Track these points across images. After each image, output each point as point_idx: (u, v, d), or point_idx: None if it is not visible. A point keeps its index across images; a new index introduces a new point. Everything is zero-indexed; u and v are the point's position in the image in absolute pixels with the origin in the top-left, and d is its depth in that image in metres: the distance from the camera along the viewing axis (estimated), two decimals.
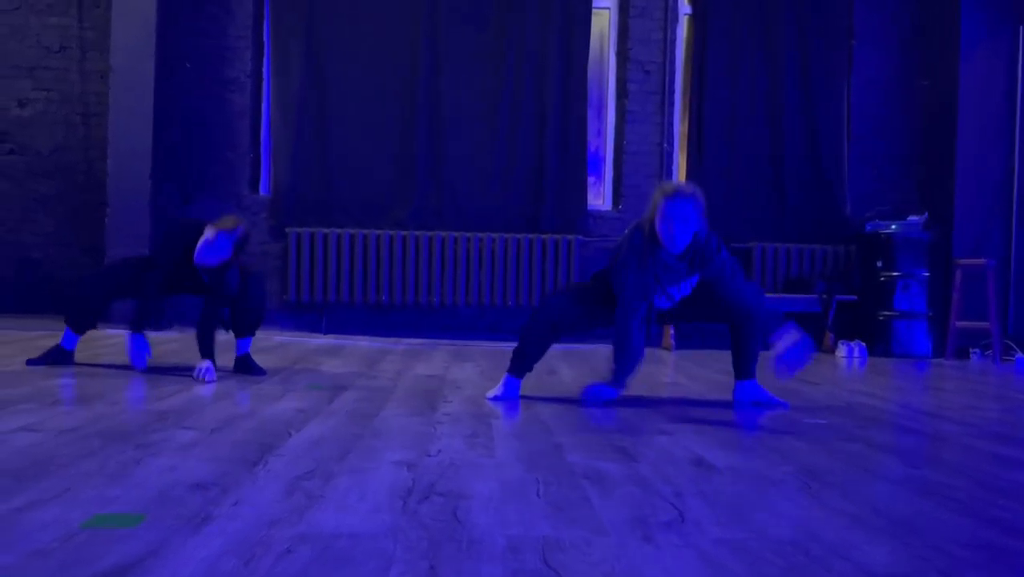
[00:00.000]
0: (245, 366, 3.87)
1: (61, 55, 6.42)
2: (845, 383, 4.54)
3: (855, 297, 6.17)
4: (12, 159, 6.43)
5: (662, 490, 2.01)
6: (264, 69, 6.53)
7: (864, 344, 5.90)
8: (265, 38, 6.49)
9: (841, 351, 5.86)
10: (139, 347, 3.77)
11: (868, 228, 6.20)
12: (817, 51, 6.54)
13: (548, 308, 3.45)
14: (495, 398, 3.39)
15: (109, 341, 5.11)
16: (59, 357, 3.88)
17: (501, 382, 3.47)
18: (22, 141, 6.43)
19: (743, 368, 3.47)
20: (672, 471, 2.22)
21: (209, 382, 3.54)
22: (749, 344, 3.43)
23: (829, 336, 6.08)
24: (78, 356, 4.07)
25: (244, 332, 3.91)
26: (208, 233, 3.69)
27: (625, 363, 3.33)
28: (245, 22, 6.38)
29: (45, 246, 6.44)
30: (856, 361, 5.66)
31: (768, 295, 6.23)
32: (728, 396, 3.64)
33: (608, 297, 3.40)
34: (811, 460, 2.44)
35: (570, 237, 6.36)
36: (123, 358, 4.32)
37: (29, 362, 3.83)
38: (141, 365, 3.78)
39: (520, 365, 3.46)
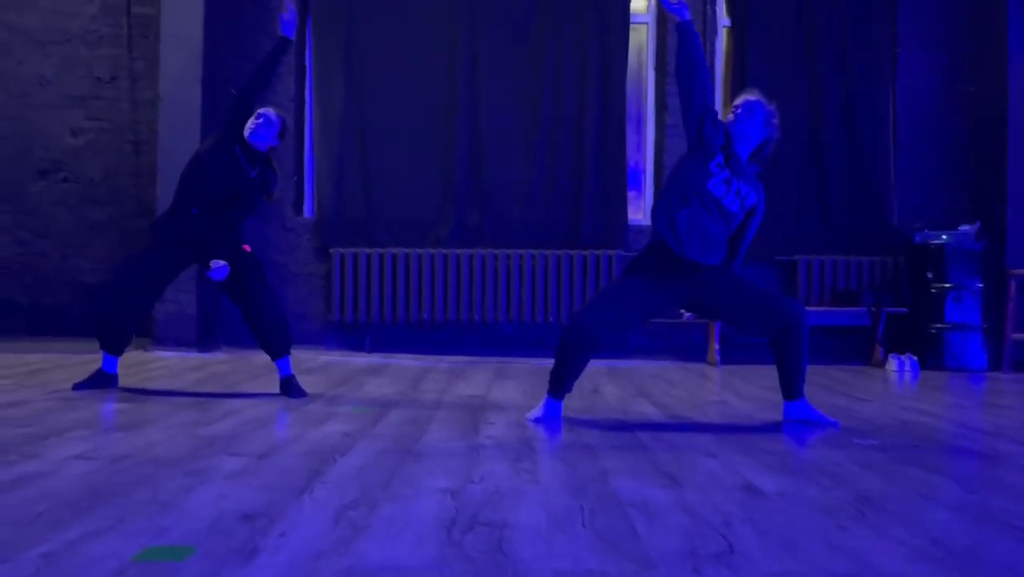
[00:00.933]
0: (287, 388, 3.92)
1: (112, 85, 6.61)
2: (897, 399, 4.43)
3: (905, 309, 6.03)
4: (67, 187, 6.63)
5: (711, 519, 1.98)
6: (307, 93, 6.63)
7: (915, 358, 5.75)
8: (307, 63, 6.60)
9: (892, 365, 5.72)
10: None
11: (917, 238, 6.06)
12: (860, 59, 6.44)
13: (579, 326, 3.35)
14: (536, 420, 3.37)
15: (159, 364, 5.21)
16: (102, 381, 3.95)
17: (542, 403, 3.45)
18: (76, 169, 6.62)
19: (790, 388, 3.41)
20: (721, 497, 2.19)
21: (218, 271, 3.78)
22: (794, 361, 3.37)
23: (879, 349, 5.95)
24: (130, 379, 4.16)
25: (278, 352, 3.95)
26: (261, 112, 3.94)
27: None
28: None
29: (99, 271, 6.60)
30: (907, 375, 5.53)
31: (814, 308, 6.15)
32: (776, 415, 3.58)
33: (644, 286, 3.36)
34: (864, 484, 2.38)
35: (611, 252, 6.33)
36: (172, 382, 4.40)
37: (75, 386, 3.91)
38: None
39: (558, 386, 3.43)
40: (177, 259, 3.99)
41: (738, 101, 3.39)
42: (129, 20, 6.55)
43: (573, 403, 3.89)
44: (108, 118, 6.61)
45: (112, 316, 3.89)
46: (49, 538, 1.71)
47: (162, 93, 6.05)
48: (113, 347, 3.95)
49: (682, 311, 3.74)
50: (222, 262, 3.83)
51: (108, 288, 3.96)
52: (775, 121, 3.40)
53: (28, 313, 6.58)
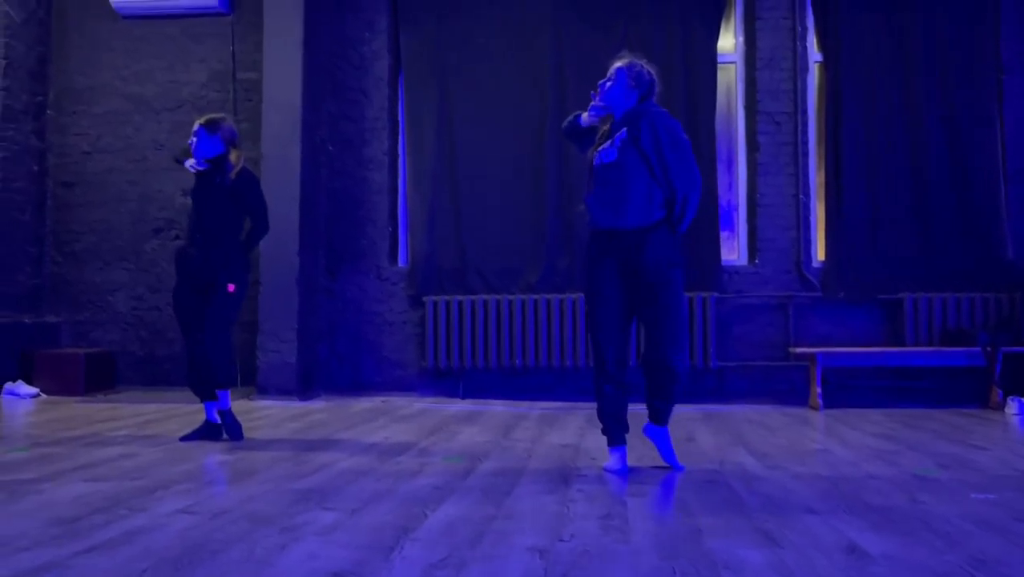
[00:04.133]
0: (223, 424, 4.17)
1: None
2: (1017, 447, 4.14)
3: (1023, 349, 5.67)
4: (178, 244, 7.00)
5: None
6: (400, 147, 6.84)
7: None
8: (400, 118, 6.81)
9: (1011, 408, 5.36)
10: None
11: None
12: (962, 88, 6.17)
13: (609, 376, 3.40)
14: (613, 470, 3.35)
15: (261, 412, 5.39)
16: (209, 432, 4.15)
17: (614, 456, 3.42)
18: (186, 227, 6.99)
19: (656, 416, 3.46)
20: (821, 561, 2.09)
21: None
22: (656, 395, 3.41)
23: (996, 392, 5.60)
24: None
25: (208, 389, 4.14)
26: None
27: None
28: (381, 104, 6.73)
29: None
30: None
31: (923, 349, 5.84)
32: (884, 467, 3.40)
33: (606, 290, 3.34)
34: (980, 546, 2.23)
35: (705, 294, 6.20)
36: (273, 432, 4.54)
37: (182, 438, 4.12)
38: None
39: (614, 435, 3.43)
40: (190, 292, 4.18)
41: (607, 76, 3.49)
42: (234, 85, 6.93)
43: None
44: None
45: (190, 358, 4.16)
46: None
47: (264, 152, 6.35)
48: (201, 392, 4.16)
49: None
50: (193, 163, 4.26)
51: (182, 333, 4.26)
52: (643, 74, 3.46)
53: (143, 364, 6.94)
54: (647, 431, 3.49)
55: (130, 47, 7.06)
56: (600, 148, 3.42)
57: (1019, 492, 2.95)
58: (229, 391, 4.20)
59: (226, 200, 4.20)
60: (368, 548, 2.17)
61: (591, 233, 3.44)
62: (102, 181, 7.06)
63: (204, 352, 4.06)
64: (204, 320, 4.11)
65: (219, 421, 4.20)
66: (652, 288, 3.28)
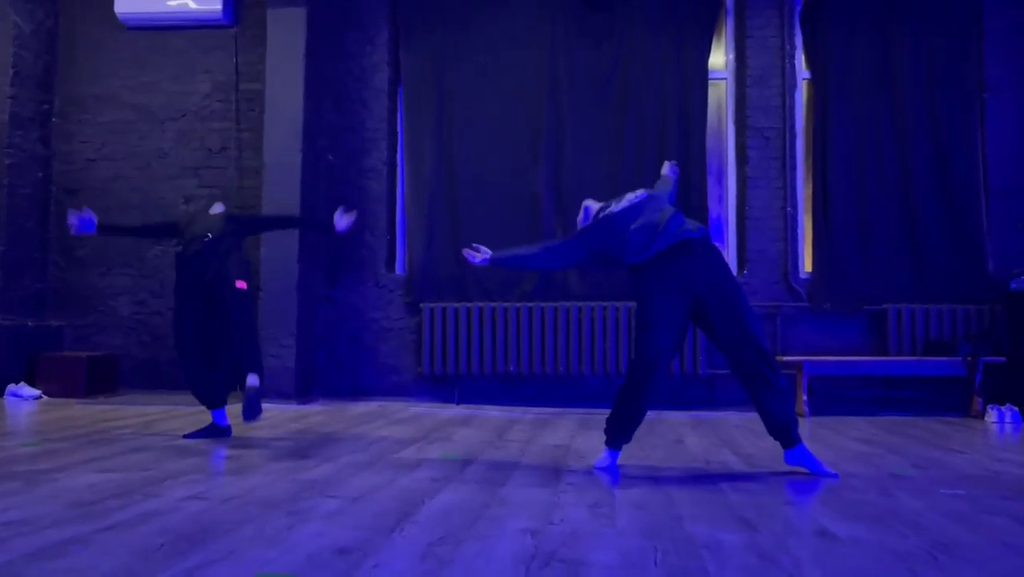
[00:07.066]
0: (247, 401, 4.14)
1: (221, 155, 7.14)
2: (993, 451, 4.30)
3: (1003, 359, 5.83)
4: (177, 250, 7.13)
5: (781, 561, 2.03)
6: (398, 157, 7.01)
7: (1016, 409, 5.54)
8: (399, 129, 6.99)
9: (991, 416, 5.53)
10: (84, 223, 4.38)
11: (1013, 286, 5.89)
12: (947, 106, 6.38)
13: (646, 362, 3.39)
14: (602, 468, 3.49)
15: (263, 414, 5.51)
16: (214, 432, 4.27)
17: (605, 453, 3.55)
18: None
19: (782, 436, 3.50)
20: (794, 542, 2.24)
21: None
22: (775, 410, 3.45)
23: (977, 401, 5.76)
24: (234, 429, 4.45)
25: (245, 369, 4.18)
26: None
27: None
28: (381, 115, 6.90)
29: None
30: (1008, 427, 5.33)
31: (906, 358, 6.01)
32: (863, 466, 3.55)
33: (665, 299, 3.38)
34: (944, 533, 2.38)
35: None
36: (273, 432, 4.68)
37: (185, 436, 4.24)
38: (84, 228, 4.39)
39: (623, 434, 3.53)
40: (197, 307, 4.21)
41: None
42: (237, 96, 7.10)
43: (656, 452, 3.96)
44: (217, 185, 7.12)
45: (190, 373, 4.23)
46: (171, 567, 1.92)
47: (266, 162, 6.51)
48: (208, 401, 4.26)
49: None
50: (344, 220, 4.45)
51: (179, 348, 4.28)
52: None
53: (145, 368, 7.07)
54: (791, 460, 3.50)
55: (136, 58, 7.23)
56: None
57: (989, 489, 3.10)
58: (257, 374, 4.25)
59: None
60: (371, 529, 2.32)
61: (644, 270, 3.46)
62: (106, 188, 7.21)
63: (233, 351, 4.15)
64: (213, 331, 4.19)
65: (226, 424, 4.32)
66: (730, 303, 3.53)
